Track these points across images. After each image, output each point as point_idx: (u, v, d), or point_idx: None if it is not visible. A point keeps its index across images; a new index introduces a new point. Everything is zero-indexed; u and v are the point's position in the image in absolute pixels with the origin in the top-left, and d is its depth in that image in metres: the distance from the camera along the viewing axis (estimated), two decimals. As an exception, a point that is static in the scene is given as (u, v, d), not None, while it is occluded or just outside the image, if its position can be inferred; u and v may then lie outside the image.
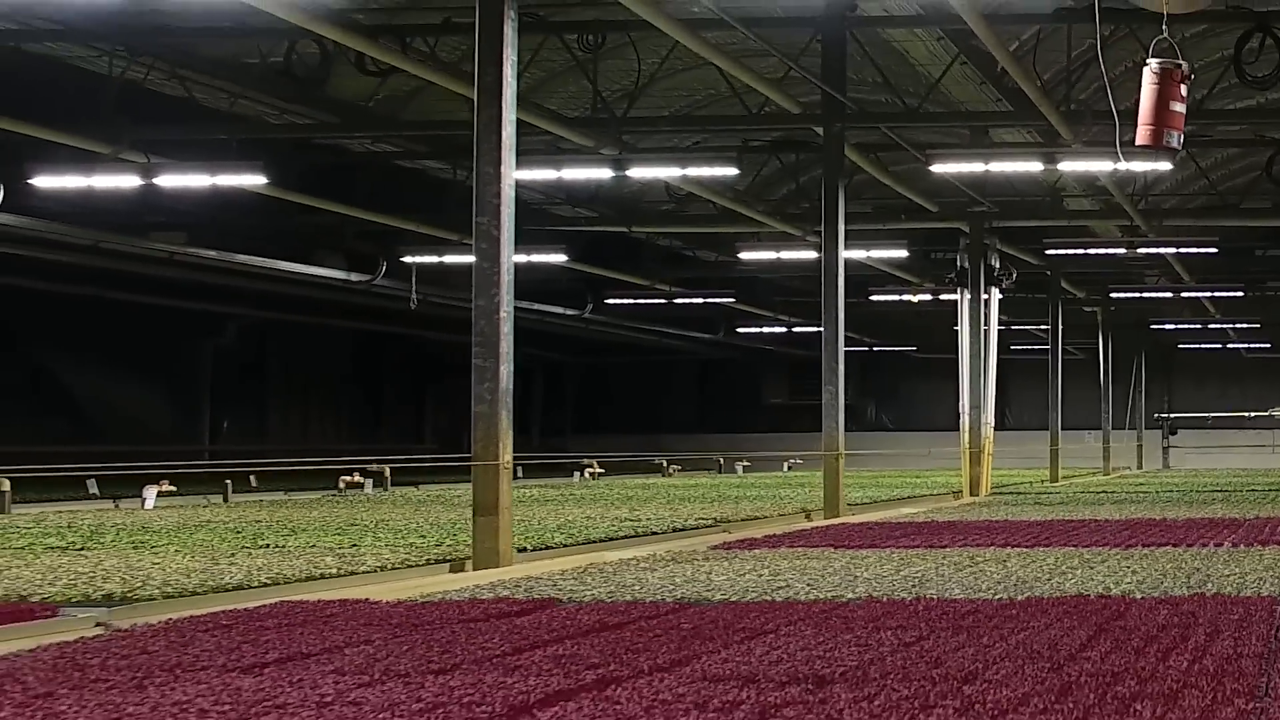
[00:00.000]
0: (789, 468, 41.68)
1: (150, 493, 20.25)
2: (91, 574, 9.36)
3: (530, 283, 30.31)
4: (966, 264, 24.80)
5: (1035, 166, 18.42)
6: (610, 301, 32.63)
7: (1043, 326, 36.84)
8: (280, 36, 17.30)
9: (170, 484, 21.39)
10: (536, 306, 30.59)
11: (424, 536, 12.93)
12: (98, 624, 7.60)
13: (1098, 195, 26.06)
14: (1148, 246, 25.98)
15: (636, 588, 8.63)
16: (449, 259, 25.24)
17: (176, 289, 27.41)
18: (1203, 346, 45.90)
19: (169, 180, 17.99)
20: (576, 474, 31.38)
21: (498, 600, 8.02)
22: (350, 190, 22.59)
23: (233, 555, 10.97)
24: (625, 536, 13.62)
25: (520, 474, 32.60)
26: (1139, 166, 17.14)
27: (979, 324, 24.74)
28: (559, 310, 31.76)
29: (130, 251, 22.92)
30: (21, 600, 7.99)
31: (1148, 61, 10.72)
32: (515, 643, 6.19)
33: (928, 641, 6.07)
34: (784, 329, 39.25)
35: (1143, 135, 10.72)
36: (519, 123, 11.20)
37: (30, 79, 17.67)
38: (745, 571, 9.77)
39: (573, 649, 5.99)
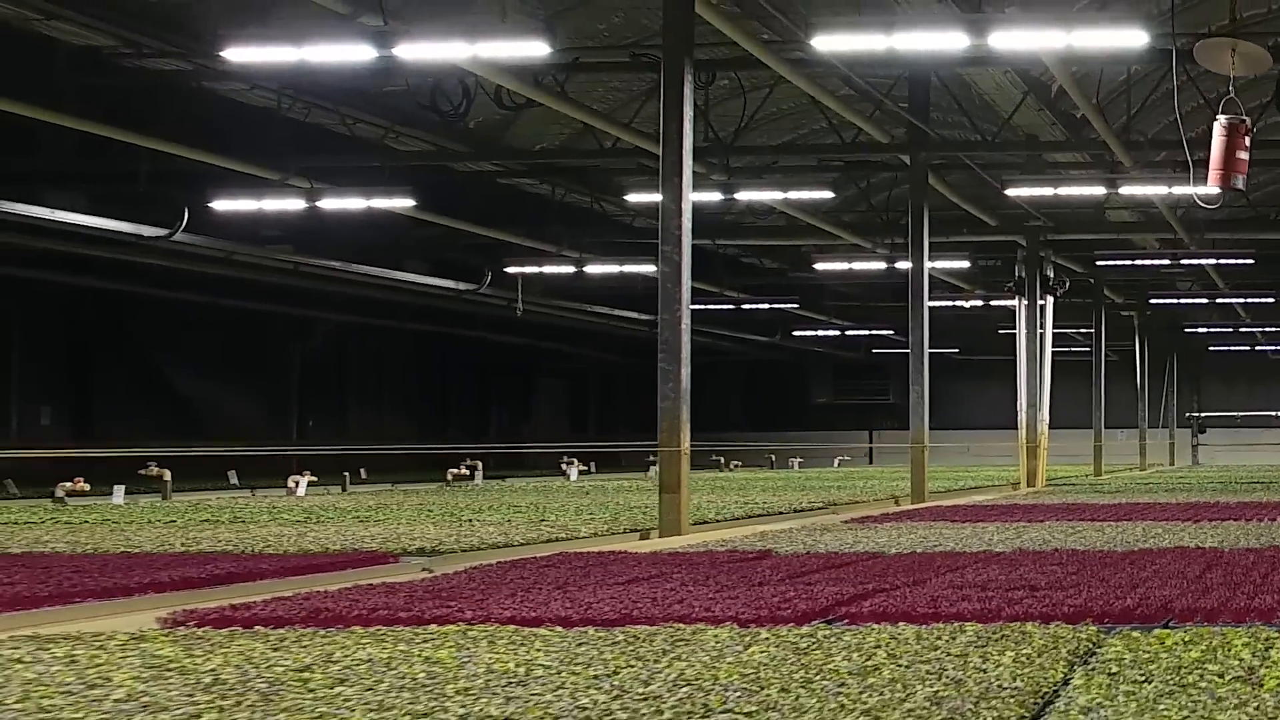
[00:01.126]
0: (838, 463, 44.00)
1: (302, 482, 22.64)
2: (377, 536, 11.69)
3: (608, 290, 32.70)
4: (1023, 274, 27.01)
5: (1099, 191, 20.67)
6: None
7: (1082, 330, 39.09)
8: (427, 75, 19.60)
9: (312, 474, 23.77)
10: (617, 312, 32.93)
11: (592, 514, 15.23)
12: (424, 569, 9.87)
13: (1139, 208, 28.27)
14: (1189, 258, 28.16)
15: (823, 546, 10.91)
16: (547, 269, 27.60)
17: (271, 295, 29.50)
18: (1232, 349, 48.01)
19: (329, 203, 20.31)
20: (651, 469, 33.63)
21: (728, 551, 10.33)
22: (460, 207, 24.87)
23: (458, 526, 13.28)
24: (760, 515, 15.93)
25: (593, 468, 35.00)
26: (1193, 190, 19.30)
27: (1035, 329, 26.97)
28: (635, 315, 34.07)
29: (246, 261, 25.00)
30: (361, 552, 10.29)
31: (1218, 117, 13.01)
32: (785, 573, 8.49)
33: (1088, 571, 8.36)
34: (837, 332, 41.50)
35: (1214, 179, 13.02)
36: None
37: (211, 114, 20.02)
38: (896, 536, 12.06)
39: (835, 574, 8.30)
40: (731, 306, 34.51)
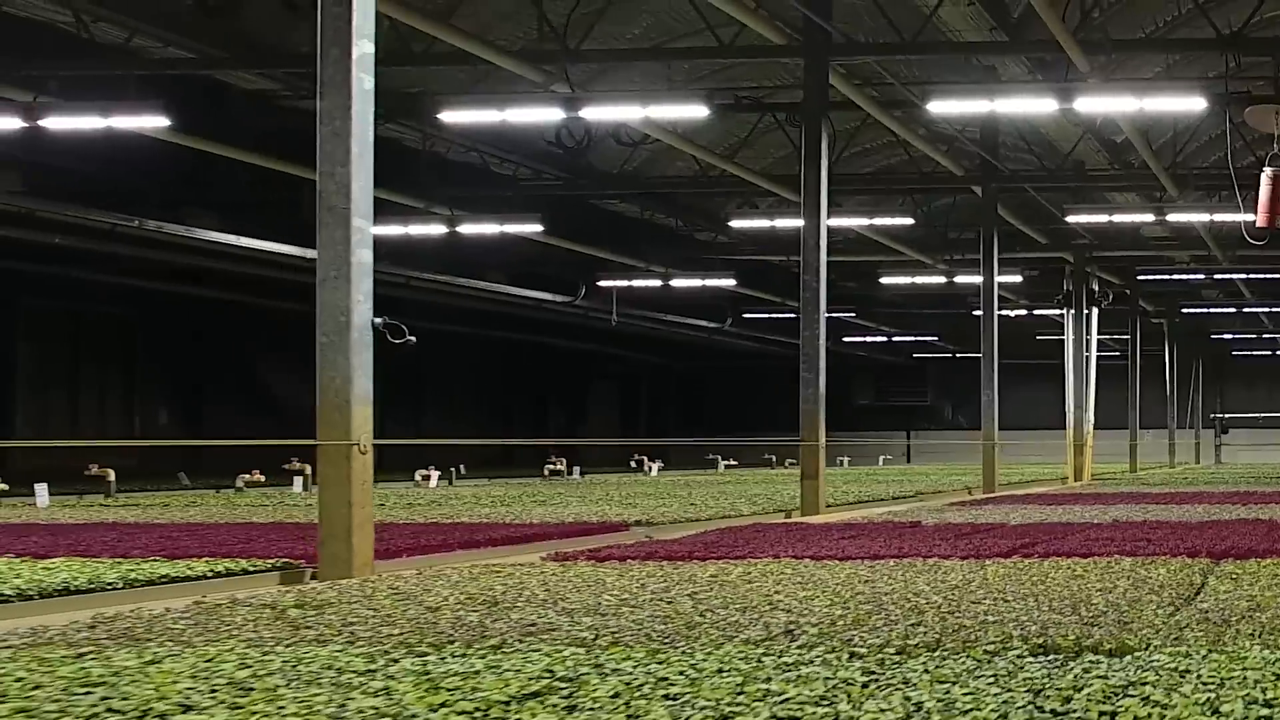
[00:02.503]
0: (882, 462, 46.74)
1: (434, 475, 25.43)
2: (577, 515, 14.45)
3: (676, 299, 35.45)
4: (1071, 287, 29.73)
5: (1149, 218, 23.40)
6: (747, 315, 37.78)
7: (1115, 336, 41.79)
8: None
9: (436, 469, 26.56)
10: (688, 320, 35.73)
11: (728, 500, 17.97)
12: (646, 535, 12.62)
13: (1175, 228, 30.93)
14: (1221, 273, 30.85)
15: (952, 519, 13.65)
16: (637, 283, 30.39)
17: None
18: (1254, 354, 50.68)
19: (467, 228, 23.10)
20: (722, 464, 36.43)
21: (884, 522, 13.09)
22: (567, 229, 27.66)
23: (631, 507, 16.02)
24: (869, 501, 18.67)
25: (660, 469, 37.72)
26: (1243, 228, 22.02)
27: (1081, 337, 29.69)
28: (702, 323, 36.87)
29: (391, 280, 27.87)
30: (600, 522, 13.06)
31: (1264, 168, 15.75)
32: (951, 534, 11.23)
33: (1180, 532, 11.09)
34: (884, 339, 44.24)
35: (1261, 219, 15.78)
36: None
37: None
38: (1005, 514, 14.78)
39: (990, 535, 11.04)
40: (792, 315, 37.26)
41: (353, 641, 5.14)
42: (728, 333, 38.81)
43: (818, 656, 4.64)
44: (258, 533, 11.34)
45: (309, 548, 9.27)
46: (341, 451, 8.55)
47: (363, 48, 8.69)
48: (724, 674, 4.25)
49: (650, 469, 33.22)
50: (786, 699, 3.85)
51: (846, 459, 44.29)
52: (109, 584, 7.61)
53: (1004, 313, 37.63)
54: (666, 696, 3.89)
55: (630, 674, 4.24)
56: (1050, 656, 4.68)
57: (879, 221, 23.74)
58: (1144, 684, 4.08)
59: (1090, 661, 4.52)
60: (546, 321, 36.09)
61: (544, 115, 15.98)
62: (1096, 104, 15.86)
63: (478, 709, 3.72)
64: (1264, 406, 53.85)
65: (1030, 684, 4.09)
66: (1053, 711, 3.69)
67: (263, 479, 22.49)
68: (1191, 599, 6.68)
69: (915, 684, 4.07)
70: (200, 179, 22.80)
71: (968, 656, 4.64)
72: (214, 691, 3.98)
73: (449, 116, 16.20)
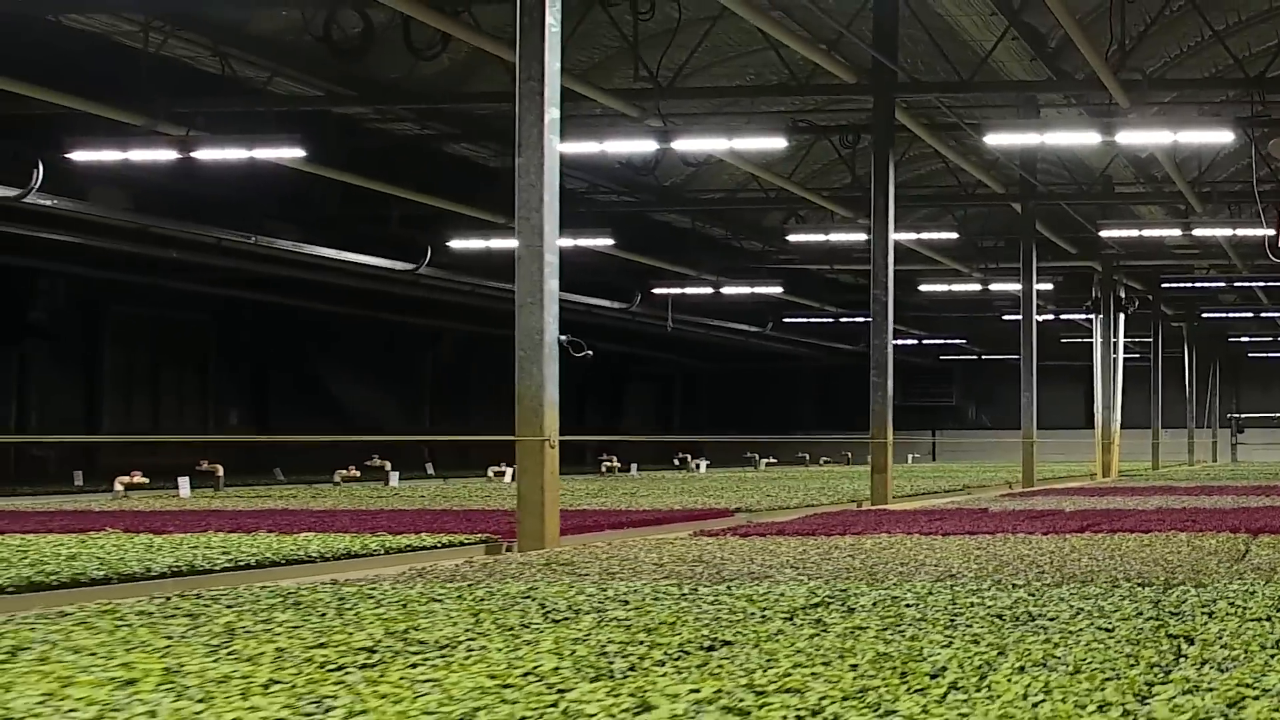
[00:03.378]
0: (911, 460, 48.62)
1: (508, 471, 27.31)
2: (678, 502, 16.34)
3: (722, 304, 37.32)
4: (1099, 294, 31.57)
5: (1176, 233, 25.25)
6: (787, 320, 39.69)
7: (1136, 340, 43.59)
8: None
9: (508, 465, 28.43)
10: (730, 324, 37.62)
11: (794, 492, 19.85)
12: (748, 521, 14.50)
13: (1198, 240, 32.75)
14: (1243, 281, 32.67)
15: (1013, 507, 15.53)
16: (690, 290, 32.31)
17: (412, 307, 34.03)
18: (1270, 356, 52.47)
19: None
20: (763, 461, 38.32)
21: (957, 509, 14.97)
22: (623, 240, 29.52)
23: (717, 497, 17.91)
24: (926, 493, 20.54)
25: (706, 466, 39.64)
26: (1252, 231, 23.86)
27: (1109, 341, 31.52)
28: (744, 327, 38.77)
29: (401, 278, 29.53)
30: (706, 509, 14.95)
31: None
32: (1023, 517, 13.10)
33: (1218, 515, 12.95)
34: (915, 341, 46.08)
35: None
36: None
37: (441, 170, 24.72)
38: (1058, 502, 16.65)
39: (1057, 518, 12.92)
40: (830, 320, 39.17)
41: (639, 578, 7.03)
42: (768, 336, 40.70)
43: (987, 588, 6.54)
44: (429, 516, 13.24)
45: (489, 526, 11.22)
46: (537, 445, 10.45)
47: (551, 114, 10.59)
48: (933, 595, 6.15)
49: (699, 466, 35.09)
50: (991, 604, 5.76)
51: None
52: (351, 552, 9.46)
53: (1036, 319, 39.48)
54: (907, 605, 5.78)
55: (873, 595, 6.14)
56: (1152, 588, 6.56)
57: (926, 235, 25.61)
58: (1225, 599, 5.97)
59: (1183, 591, 6.41)
60: (597, 326, 37.95)
61: (640, 147, 17.91)
62: (1135, 136, 17.72)
63: (788, 610, 5.62)
64: (1279, 406, 55.61)
65: (1148, 599, 5.98)
66: (1170, 612, 5.58)
67: (358, 474, 24.42)
68: (1241, 559, 8.55)
69: (1069, 600, 5.96)
70: (299, 197, 24.68)
71: (1095, 587, 6.53)
72: (571, 611, 5.86)
73: (570, 148, 18.20)
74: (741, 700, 3.65)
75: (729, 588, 6.56)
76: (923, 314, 45.01)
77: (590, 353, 11.00)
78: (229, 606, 5.99)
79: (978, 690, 3.81)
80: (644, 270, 31.85)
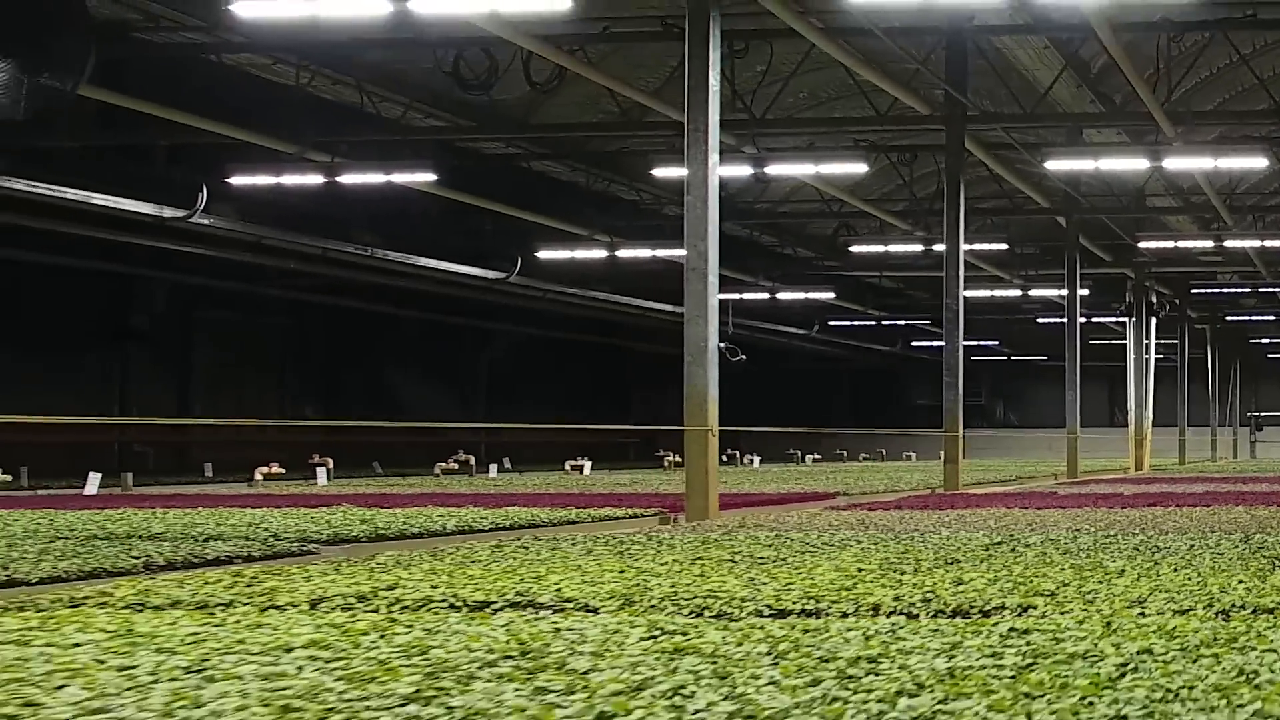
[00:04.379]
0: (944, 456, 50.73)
1: (586, 465, 29.57)
2: (776, 488, 18.54)
3: (776, 308, 39.49)
4: (1132, 299, 33.70)
5: (1209, 244, 27.39)
6: (832, 323, 41.91)
7: (1162, 341, 45.68)
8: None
9: (587, 458, 30.70)
10: (779, 327, 39.82)
11: (873, 480, 22.04)
12: (852, 501, 16.67)
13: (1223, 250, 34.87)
14: (1266, 287, 34.80)
15: (1075, 491, 17.68)
16: (748, 296, 34.52)
17: (465, 310, 36.22)
18: (1289, 356, 54.63)
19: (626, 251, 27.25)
20: (808, 457, 40.50)
21: (1029, 492, 17.15)
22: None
23: (810, 483, 20.11)
24: (984, 483, 22.70)
25: (760, 461, 41.84)
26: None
27: (1141, 343, 33.65)
28: (794, 330, 40.95)
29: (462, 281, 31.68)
30: (813, 491, 17.15)
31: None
32: (1093, 496, 15.28)
33: (1260, 496, 15.09)
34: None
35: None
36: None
37: (534, 188, 26.93)
38: (1112, 488, 18.81)
39: (1123, 498, 15.09)
40: (873, 322, 41.36)
41: (832, 534, 9.22)
42: (812, 339, 42.89)
43: (1112, 536, 8.72)
44: (597, 497, 15.44)
45: (651, 504, 13.45)
46: (702, 434, 12.66)
47: (713, 159, 12.80)
48: (1076, 540, 8.34)
49: (752, 461, 37.25)
50: (1124, 544, 7.95)
51: (914, 454, 48.34)
52: (569, 520, 11.66)
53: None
54: (1066, 552, 7.96)
55: (1032, 539, 8.34)
56: (1235, 536, 8.74)
57: (978, 246, 27.75)
58: (1301, 542, 8.16)
59: (1260, 538, 8.58)
60: (649, 329, 40.12)
61: (737, 172, 20.10)
62: (1180, 163, 19.86)
63: (983, 545, 7.81)
64: (1296, 406, 57.69)
65: (1236, 541, 8.17)
66: (1257, 547, 7.75)
67: (455, 466, 26.66)
68: (1294, 523, 10.74)
69: (1179, 542, 8.14)
70: (398, 212, 26.88)
71: (1191, 537, 8.71)
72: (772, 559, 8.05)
73: (660, 172, 20.39)
74: (1008, 581, 5.85)
75: (921, 536, 8.77)
76: (968, 317, 47.10)
77: (744, 356, 13.17)
78: (552, 547, 8.18)
79: (1153, 578, 5.99)
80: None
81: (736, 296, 35.08)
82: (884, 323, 41.73)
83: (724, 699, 3.11)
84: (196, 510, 12.57)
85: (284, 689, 3.24)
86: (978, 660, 3.58)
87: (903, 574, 6.15)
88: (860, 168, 20.35)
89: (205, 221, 21.05)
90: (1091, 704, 3.02)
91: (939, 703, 3.01)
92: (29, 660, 3.71)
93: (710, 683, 3.29)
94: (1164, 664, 3.55)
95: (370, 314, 35.66)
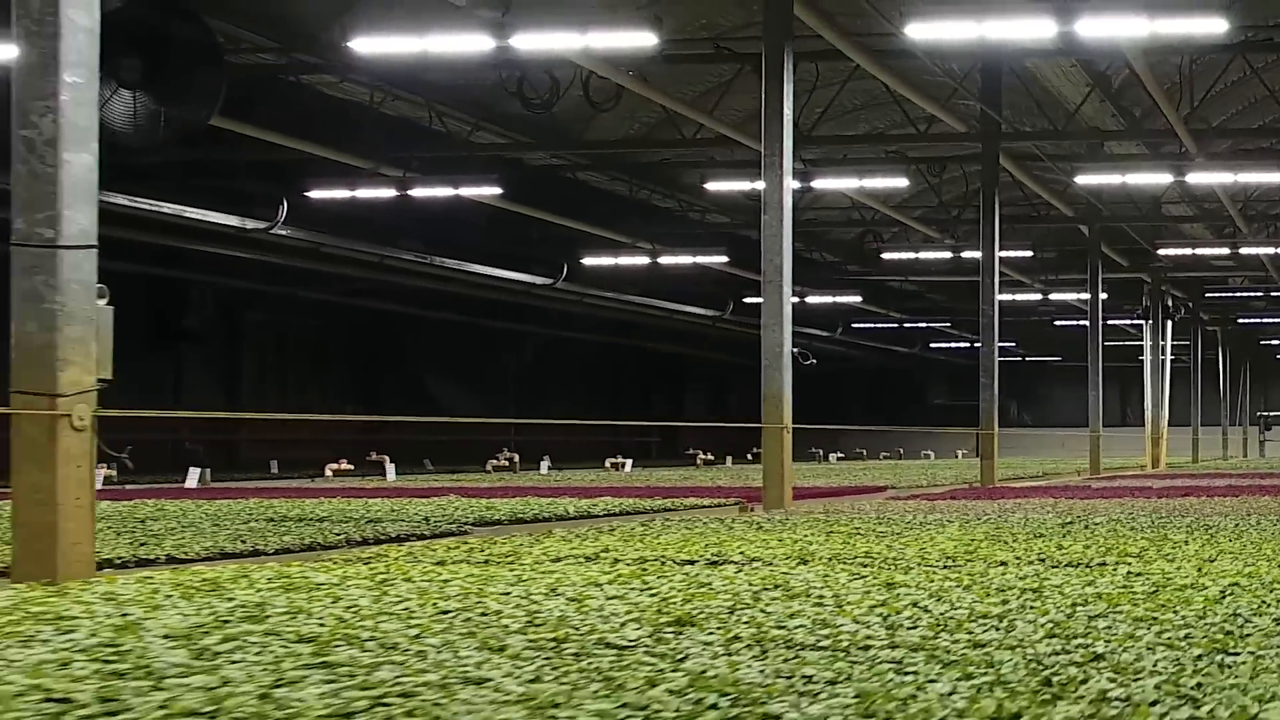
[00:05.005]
0: (961, 455, 52.02)
1: (627, 464, 30.87)
2: (828, 481, 19.85)
3: (804, 311, 40.78)
4: (1149, 303, 34.99)
5: (1224, 251, 28.67)
6: (855, 325, 43.25)
7: (1175, 342, 46.97)
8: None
9: (624, 457, 31.99)
10: (807, 330, 41.13)
11: (902, 476, 23.34)
12: (894, 496, 17.98)
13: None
14: (1277, 290, 36.09)
15: (1107, 485, 18.98)
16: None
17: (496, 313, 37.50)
18: (1296, 357, 55.95)
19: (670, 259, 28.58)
20: (833, 457, 41.80)
21: (1065, 485, 18.45)
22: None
23: (850, 478, 21.42)
24: (1014, 479, 24.00)
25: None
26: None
27: (1158, 345, 34.93)
28: (817, 332, 42.27)
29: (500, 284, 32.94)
30: (866, 485, 18.47)
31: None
32: (1123, 490, 16.57)
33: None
34: (966, 344, 49.48)
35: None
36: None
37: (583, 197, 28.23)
38: (1140, 482, 20.11)
39: (1155, 489, 16.39)
40: (895, 325, 42.68)
41: (908, 518, 10.52)
42: (837, 340, 44.22)
43: (1164, 518, 10.02)
44: (674, 490, 16.75)
45: (727, 494, 14.76)
46: (778, 431, 13.98)
47: (787, 182, 14.11)
48: (1135, 521, 9.65)
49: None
50: (1178, 523, 9.26)
51: (932, 452, 49.64)
52: (666, 508, 12.96)
53: (1082, 322, 42.91)
54: (1132, 529, 9.27)
55: (1098, 520, 9.65)
56: (1271, 518, 10.04)
57: (1004, 254, 29.02)
58: (1326, 521, 9.47)
59: (1293, 519, 9.88)
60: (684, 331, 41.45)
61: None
62: (1203, 178, 21.16)
63: (1058, 524, 9.11)
64: (1303, 406, 58.95)
65: (1274, 521, 9.47)
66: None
67: (506, 463, 27.98)
68: (1318, 509, 12.04)
69: (1224, 522, 9.44)
70: (451, 222, 28.17)
71: (1232, 519, 10.01)
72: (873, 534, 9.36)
73: (713, 186, 21.72)
74: (1098, 547, 7.16)
75: (998, 518, 10.09)
76: (975, 319, 48.39)
77: (814, 360, 14.48)
78: (686, 526, 9.48)
79: (1215, 546, 7.30)
80: (738, 281, 35.35)
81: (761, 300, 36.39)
82: (905, 325, 43.03)
83: (952, 608, 4.42)
84: (321, 500, 13.90)
85: (641, 599, 4.55)
86: (1115, 590, 4.89)
87: (1007, 543, 7.46)
88: (902, 182, 21.68)
89: (284, 232, 22.37)
90: (1213, 610, 4.33)
91: (1109, 607, 4.31)
92: (444, 591, 5.01)
93: (931, 602, 4.59)
94: (1252, 591, 4.86)
95: (409, 317, 36.97)
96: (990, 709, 2.81)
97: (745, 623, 4.09)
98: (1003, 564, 6.18)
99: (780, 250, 14.14)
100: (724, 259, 29.17)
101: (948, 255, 28.90)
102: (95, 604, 4.87)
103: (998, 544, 7.34)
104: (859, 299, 36.31)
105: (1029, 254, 29.78)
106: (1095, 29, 13.93)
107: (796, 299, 35.89)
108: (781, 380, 14.04)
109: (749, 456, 41.72)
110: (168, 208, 20.32)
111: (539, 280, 29.39)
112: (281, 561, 6.95)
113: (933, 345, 50.25)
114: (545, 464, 27.72)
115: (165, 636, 3.95)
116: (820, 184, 21.70)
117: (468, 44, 14.62)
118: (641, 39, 14.61)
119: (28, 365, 6.37)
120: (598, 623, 4.13)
